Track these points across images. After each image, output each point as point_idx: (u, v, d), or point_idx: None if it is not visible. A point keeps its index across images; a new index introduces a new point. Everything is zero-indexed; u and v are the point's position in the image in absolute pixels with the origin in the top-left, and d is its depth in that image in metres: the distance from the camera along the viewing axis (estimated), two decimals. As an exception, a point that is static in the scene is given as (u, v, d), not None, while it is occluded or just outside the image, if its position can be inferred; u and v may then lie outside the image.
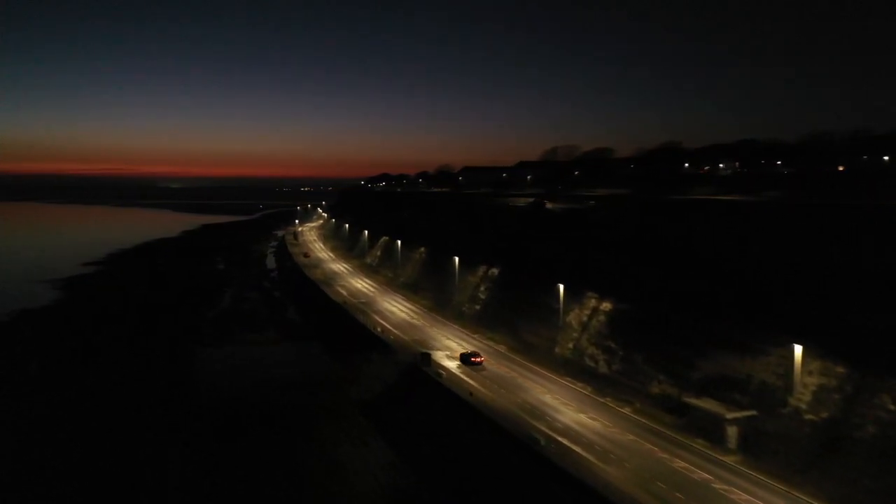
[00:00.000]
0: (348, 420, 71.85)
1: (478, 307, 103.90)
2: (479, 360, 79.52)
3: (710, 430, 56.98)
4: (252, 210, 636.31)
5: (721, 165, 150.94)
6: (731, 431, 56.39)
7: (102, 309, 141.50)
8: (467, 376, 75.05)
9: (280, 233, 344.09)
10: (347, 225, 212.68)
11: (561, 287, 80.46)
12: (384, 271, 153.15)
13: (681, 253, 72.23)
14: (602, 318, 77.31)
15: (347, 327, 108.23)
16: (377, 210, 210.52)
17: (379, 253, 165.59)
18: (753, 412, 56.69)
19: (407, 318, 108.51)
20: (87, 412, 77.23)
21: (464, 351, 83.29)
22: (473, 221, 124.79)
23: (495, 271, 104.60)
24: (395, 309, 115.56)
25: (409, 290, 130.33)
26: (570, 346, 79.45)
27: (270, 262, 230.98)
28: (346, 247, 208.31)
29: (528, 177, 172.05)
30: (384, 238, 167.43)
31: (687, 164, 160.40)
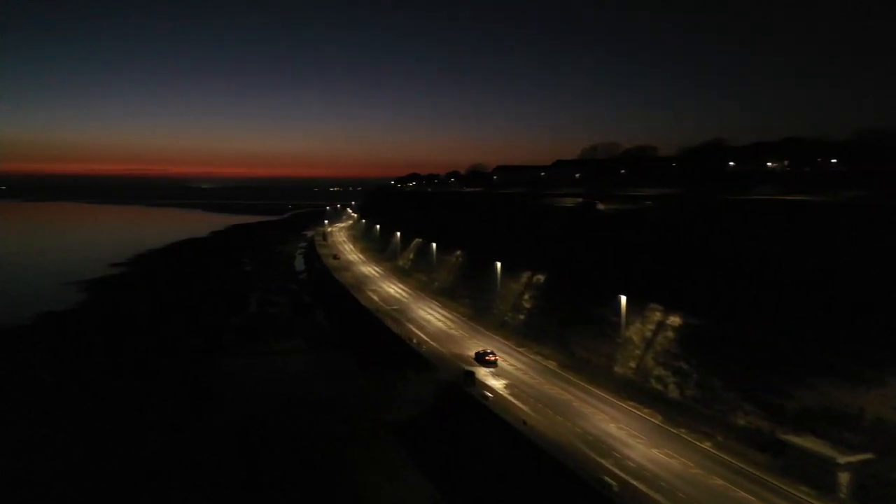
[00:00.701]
0: (382, 449, 63.87)
1: (522, 317, 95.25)
2: (493, 358, 78.87)
3: (816, 475, 47.62)
4: (281, 210, 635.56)
5: (769, 164, 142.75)
6: (844, 478, 46.99)
7: (125, 313, 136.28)
8: (517, 398, 66.64)
9: (309, 233, 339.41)
10: (378, 226, 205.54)
11: (623, 299, 71.39)
12: (417, 275, 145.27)
13: (759, 261, 62.81)
14: (670, 334, 68.12)
15: (380, 337, 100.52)
16: (409, 210, 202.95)
17: (412, 255, 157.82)
18: (869, 455, 47.31)
19: (444, 327, 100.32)
20: (93, 442, 70.14)
21: (508, 365, 75.08)
22: (514, 223, 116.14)
23: (541, 278, 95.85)
24: (431, 317, 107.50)
25: (446, 296, 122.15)
26: (633, 365, 70.42)
27: (299, 263, 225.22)
28: (377, 248, 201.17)
29: (577, 174, 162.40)
30: (417, 240, 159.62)
31: (732, 163, 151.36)
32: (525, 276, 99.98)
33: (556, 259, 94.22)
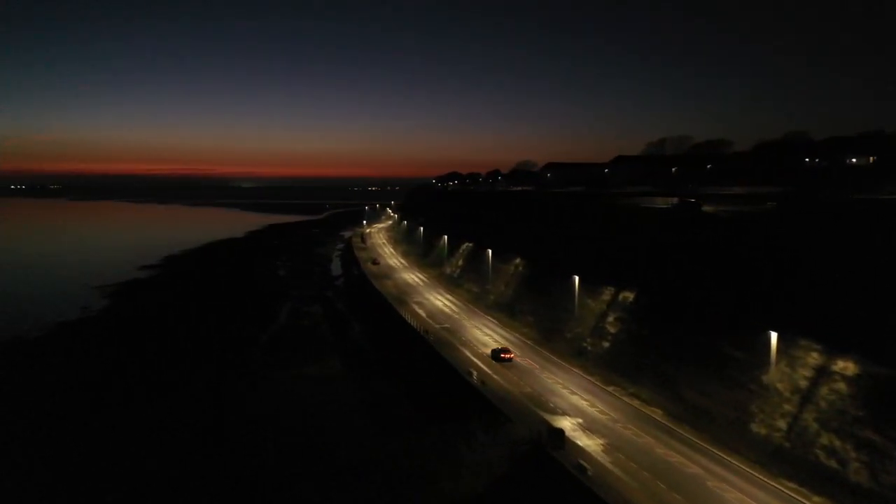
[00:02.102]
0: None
1: (606, 344, 76.72)
2: (509, 356, 78.59)
3: None
4: (319, 209, 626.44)
5: (853, 160, 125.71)
6: None
7: (143, 325, 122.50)
8: (623, 469, 48.51)
9: (347, 234, 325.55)
10: (421, 228, 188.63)
11: (773, 336, 52.45)
12: (468, 285, 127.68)
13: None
14: (840, 386, 48.98)
15: (430, 365, 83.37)
16: (453, 211, 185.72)
17: (460, 262, 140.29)
18: None
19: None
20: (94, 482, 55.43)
21: (599, 412, 57.33)
22: (584, 227, 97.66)
23: (629, 296, 77.17)
24: (490, 339, 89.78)
25: (504, 312, 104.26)
26: (783, 424, 51.41)
27: (336, 267, 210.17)
28: (420, 252, 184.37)
29: (673, 169, 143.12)
30: (466, 244, 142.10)
31: (817, 159, 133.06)
32: (607, 293, 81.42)
33: (650, 273, 75.47)
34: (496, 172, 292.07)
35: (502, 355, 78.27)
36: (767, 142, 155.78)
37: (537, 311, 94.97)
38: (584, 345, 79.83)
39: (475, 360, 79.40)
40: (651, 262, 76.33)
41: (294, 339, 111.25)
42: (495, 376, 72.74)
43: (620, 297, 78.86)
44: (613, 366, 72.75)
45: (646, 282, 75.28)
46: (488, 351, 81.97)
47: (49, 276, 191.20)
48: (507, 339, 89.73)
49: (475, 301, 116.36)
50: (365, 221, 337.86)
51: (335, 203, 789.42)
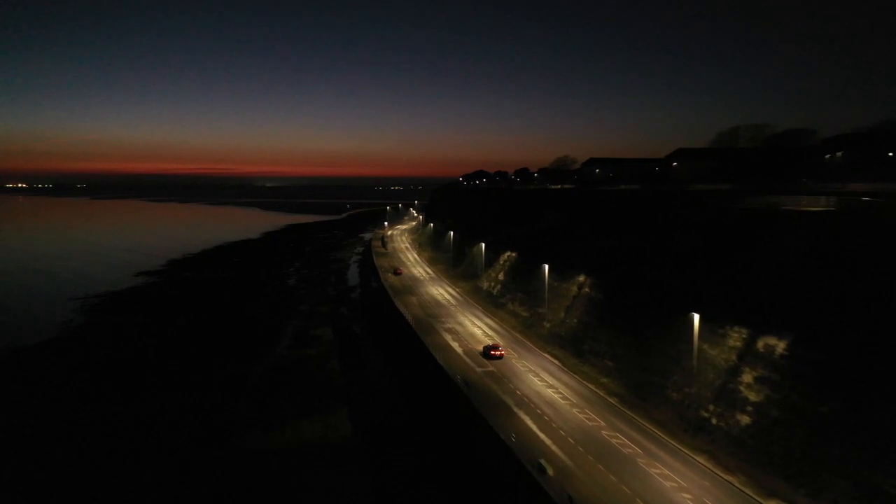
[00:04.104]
0: None
1: (743, 419, 50.69)
2: (499, 353, 75.67)
3: None
4: (340, 209, 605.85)
5: None
6: None
7: (117, 352, 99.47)
8: None
9: (367, 236, 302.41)
10: (451, 233, 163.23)
11: None
12: (513, 306, 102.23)
13: None
14: None
15: (476, 438, 58.34)
16: (488, 212, 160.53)
17: (501, 276, 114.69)
18: None
19: (585, 422, 56.97)
20: None
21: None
22: (690, 240, 71.74)
23: (779, 344, 51.13)
24: (553, 393, 64.37)
25: (567, 348, 78.71)
26: None
27: (353, 275, 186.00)
28: (448, 260, 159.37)
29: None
30: (508, 254, 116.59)
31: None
32: (734, 337, 55.46)
33: (809, 311, 49.49)
34: (524, 170, 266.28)
35: (492, 352, 75.50)
36: (858, 132, 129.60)
37: (620, 354, 69.14)
38: (705, 415, 53.94)
39: (541, 434, 54.07)
40: (819, 293, 50.21)
41: (294, 378, 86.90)
42: (569, 461, 47.37)
43: (760, 344, 52.80)
44: (763, 457, 46.86)
45: (810, 325, 49.22)
46: (558, 418, 56.56)
47: (37, 281, 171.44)
48: (577, 393, 64.26)
49: (525, 329, 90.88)
50: (386, 223, 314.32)
51: (357, 203, 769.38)
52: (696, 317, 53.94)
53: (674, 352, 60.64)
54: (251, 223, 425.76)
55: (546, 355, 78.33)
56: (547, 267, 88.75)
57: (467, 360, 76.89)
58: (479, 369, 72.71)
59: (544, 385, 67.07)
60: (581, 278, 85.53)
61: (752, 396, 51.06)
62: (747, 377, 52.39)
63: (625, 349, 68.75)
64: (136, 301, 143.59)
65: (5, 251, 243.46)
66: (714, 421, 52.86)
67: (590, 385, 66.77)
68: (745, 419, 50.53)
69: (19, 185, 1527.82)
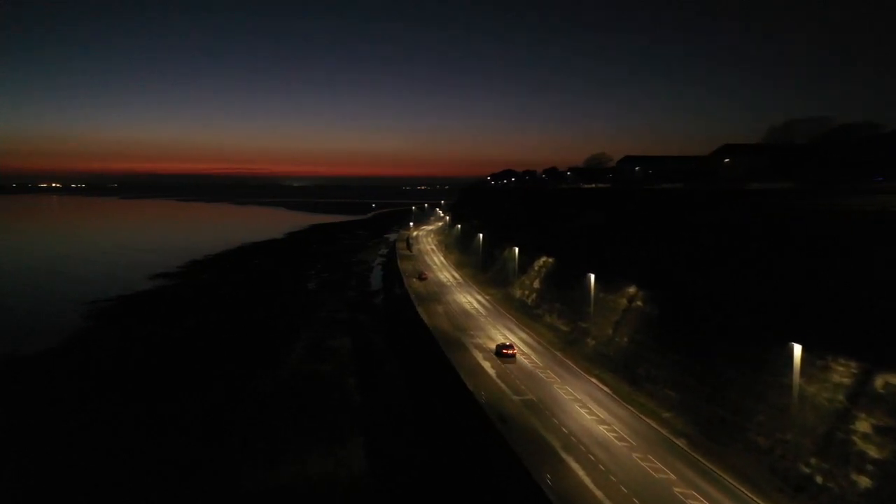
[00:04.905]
0: None
1: (864, 480, 39.45)
2: (511, 351, 75.51)
3: None
4: (365, 209, 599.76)
5: None
6: None
7: (108, 369, 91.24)
8: None
9: (392, 236, 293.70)
10: (480, 235, 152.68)
11: None
12: (550, 318, 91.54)
13: None
14: None
15: (513, 483, 47.98)
16: (516, 213, 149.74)
17: (536, 283, 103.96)
18: None
19: (649, 471, 46.23)
20: None
21: None
22: (756, 247, 60.37)
23: (905, 385, 39.78)
24: (607, 430, 53.63)
25: (618, 372, 67.82)
26: None
27: (376, 278, 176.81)
28: (476, 264, 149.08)
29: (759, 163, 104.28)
30: (544, 259, 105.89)
31: None
32: (844, 371, 44.17)
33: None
34: (553, 170, 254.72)
35: (504, 351, 75.92)
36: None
37: (684, 383, 58.08)
38: (806, 471, 42.80)
39: (598, 490, 43.45)
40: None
41: (304, 399, 77.53)
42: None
43: (878, 382, 41.49)
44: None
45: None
46: (620, 468, 45.86)
47: (54, 283, 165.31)
48: (634, 431, 53.48)
49: (566, 346, 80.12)
50: (412, 223, 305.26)
51: (383, 202, 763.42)
52: (798, 348, 42.78)
53: (757, 385, 49.52)
54: (275, 223, 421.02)
55: (593, 379, 67.58)
56: (593, 277, 77.72)
57: (501, 384, 66.52)
58: (516, 397, 62.25)
59: (595, 419, 56.37)
60: (631, 290, 74.45)
61: (873, 451, 39.81)
62: (863, 425, 41.12)
63: (690, 377, 57.68)
64: (146, 306, 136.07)
65: (31, 252, 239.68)
66: (820, 480, 41.71)
67: (649, 420, 55.89)
68: (863, 481, 39.32)
69: (54, 184, 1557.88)
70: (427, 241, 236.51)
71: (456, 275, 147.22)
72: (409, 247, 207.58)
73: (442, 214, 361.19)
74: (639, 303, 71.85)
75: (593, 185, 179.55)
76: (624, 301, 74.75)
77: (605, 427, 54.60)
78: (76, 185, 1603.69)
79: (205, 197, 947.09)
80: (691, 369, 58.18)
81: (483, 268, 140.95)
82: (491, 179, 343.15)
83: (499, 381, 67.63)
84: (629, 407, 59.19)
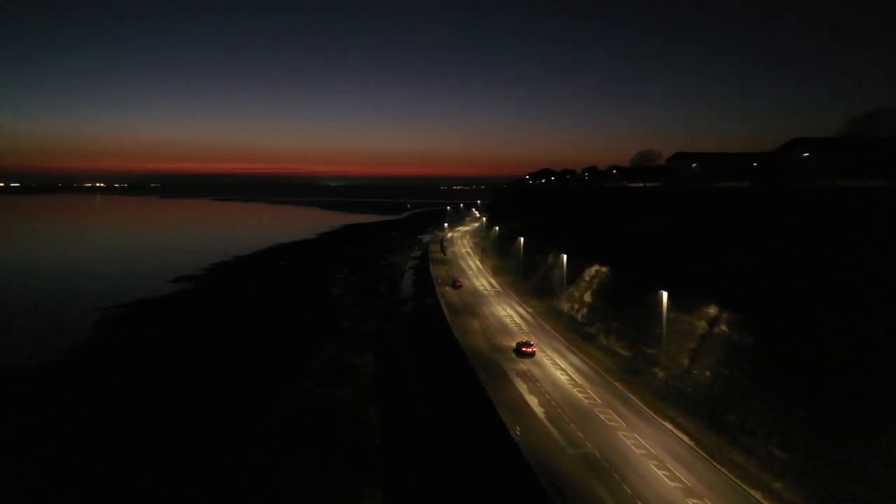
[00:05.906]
0: None
1: None
2: (531, 349, 74.36)
3: None
4: (400, 209, 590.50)
5: None
6: None
7: (122, 380, 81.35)
8: None
9: (426, 238, 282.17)
10: (521, 239, 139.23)
11: None
12: (606, 339, 77.97)
13: None
14: None
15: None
16: (559, 215, 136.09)
17: (587, 297, 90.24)
18: None
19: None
20: None
21: None
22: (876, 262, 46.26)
23: None
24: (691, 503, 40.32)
25: (700, 416, 54.15)
26: None
27: (406, 284, 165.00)
28: (516, 270, 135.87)
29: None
30: (596, 268, 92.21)
31: None
32: None
33: None
34: (593, 168, 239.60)
35: (524, 349, 73.99)
36: None
37: (796, 440, 44.21)
38: None
39: None
40: None
41: (316, 434, 65.81)
42: None
43: None
44: None
45: None
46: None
47: (76, 286, 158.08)
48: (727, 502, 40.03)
49: (627, 376, 66.60)
50: (446, 224, 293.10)
51: (418, 202, 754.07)
52: None
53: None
54: (310, 223, 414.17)
55: (667, 425, 54.09)
56: (666, 295, 63.93)
57: (552, 428, 53.58)
58: (572, 450, 49.26)
59: (679, 488, 43.00)
60: (711, 310, 60.63)
61: None
62: None
63: (804, 432, 43.88)
64: (160, 312, 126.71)
65: (61, 253, 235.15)
66: None
67: (753, 493, 42.27)
68: None
69: (98, 184, 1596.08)
70: (462, 242, 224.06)
71: (493, 282, 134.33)
72: (442, 250, 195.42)
73: (478, 215, 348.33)
74: (723, 327, 57.95)
75: (641, 185, 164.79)
76: (703, 324, 60.90)
77: (697, 502, 41.22)
78: (119, 184, 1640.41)
79: (240, 196, 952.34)
80: (805, 423, 44.35)
81: (524, 275, 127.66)
82: (530, 179, 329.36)
83: (548, 423, 54.65)
84: (722, 470, 45.60)
